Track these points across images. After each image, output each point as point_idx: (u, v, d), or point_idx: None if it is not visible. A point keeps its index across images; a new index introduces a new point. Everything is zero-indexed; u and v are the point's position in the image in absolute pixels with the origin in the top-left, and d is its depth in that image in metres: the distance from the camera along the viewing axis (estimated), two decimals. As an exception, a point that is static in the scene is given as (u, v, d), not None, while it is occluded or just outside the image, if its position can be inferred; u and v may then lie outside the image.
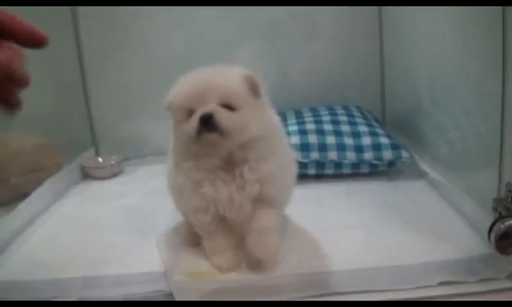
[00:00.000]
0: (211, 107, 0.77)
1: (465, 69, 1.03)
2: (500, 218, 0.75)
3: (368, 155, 1.30)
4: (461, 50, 1.04)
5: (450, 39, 1.11)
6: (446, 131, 1.19)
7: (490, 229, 0.75)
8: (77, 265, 0.96)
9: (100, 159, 1.64)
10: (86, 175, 1.57)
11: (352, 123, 1.39)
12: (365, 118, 1.45)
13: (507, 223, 0.73)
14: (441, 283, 0.79)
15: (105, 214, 1.24)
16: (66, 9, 1.61)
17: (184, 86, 0.81)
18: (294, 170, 0.92)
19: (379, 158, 1.29)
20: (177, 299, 0.81)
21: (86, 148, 1.69)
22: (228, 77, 0.80)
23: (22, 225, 1.17)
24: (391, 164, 1.30)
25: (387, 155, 1.29)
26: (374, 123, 1.43)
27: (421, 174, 1.28)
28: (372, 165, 1.30)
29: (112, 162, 1.58)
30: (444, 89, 1.19)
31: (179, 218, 1.14)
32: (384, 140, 1.32)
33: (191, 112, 0.78)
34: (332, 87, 1.68)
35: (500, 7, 0.78)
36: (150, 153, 1.72)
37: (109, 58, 1.68)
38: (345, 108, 1.51)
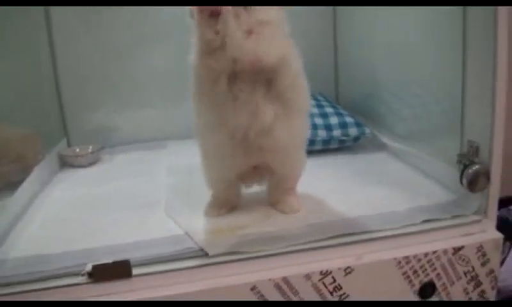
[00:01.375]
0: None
1: (426, 43, 1.21)
2: (468, 165, 0.95)
3: (336, 132, 1.48)
4: (418, 35, 1.24)
5: (408, 25, 1.30)
6: (403, 108, 1.39)
7: (461, 175, 0.95)
8: (94, 237, 1.02)
9: (77, 149, 1.67)
10: (65, 164, 1.60)
11: (319, 106, 1.56)
12: (328, 101, 1.64)
13: (474, 168, 0.94)
14: (423, 221, 0.97)
15: (101, 195, 1.30)
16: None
17: None
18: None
19: (346, 135, 1.48)
20: (210, 252, 0.91)
21: (59, 139, 1.72)
22: None
23: (21, 211, 1.20)
24: (356, 139, 1.49)
25: (353, 131, 1.48)
26: (336, 105, 1.61)
27: (382, 147, 1.48)
28: (340, 141, 1.48)
29: (91, 151, 1.63)
30: (401, 63, 1.38)
31: (181, 193, 1.24)
32: (349, 119, 1.50)
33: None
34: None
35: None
36: (121, 143, 1.79)
37: (80, 44, 1.72)
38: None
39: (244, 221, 1.02)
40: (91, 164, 1.61)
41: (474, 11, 0.96)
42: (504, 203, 1.18)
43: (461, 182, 0.95)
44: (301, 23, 1.81)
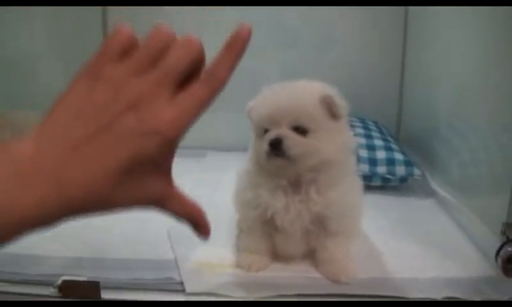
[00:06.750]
0: (281, 131, 0.78)
1: (487, 95, 1.04)
2: (508, 241, 0.76)
3: (381, 169, 1.31)
4: (485, 76, 1.06)
5: (474, 65, 1.12)
6: (459, 153, 1.20)
7: (498, 252, 0.76)
8: (84, 246, 0.96)
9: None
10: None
11: (367, 136, 1.41)
12: (381, 132, 1.47)
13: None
14: (446, 298, 0.79)
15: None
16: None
17: (261, 104, 0.83)
18: (359, 197, 0.90)
19: (392, 173, 1.31)
20: (187, 289, 0.82)
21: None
22: (304, 98, 0.80)
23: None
24: (403, 179, 1.32)
25: (400, 170, 1.31)
26: (389, 138, 1.44)
27: (430, 193, 1.30)
28: (384, 179, 1.32)
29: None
30: (463, 113, 1.20)
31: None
32: (398, 155, 1.33)
33: (265, 130, 0.80)
34: (349, 99, 1.67)
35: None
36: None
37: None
38: (362, 121, 1.53)
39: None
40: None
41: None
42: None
43: (496, 260, 0.76)
44: (369, 45, 1.73)
